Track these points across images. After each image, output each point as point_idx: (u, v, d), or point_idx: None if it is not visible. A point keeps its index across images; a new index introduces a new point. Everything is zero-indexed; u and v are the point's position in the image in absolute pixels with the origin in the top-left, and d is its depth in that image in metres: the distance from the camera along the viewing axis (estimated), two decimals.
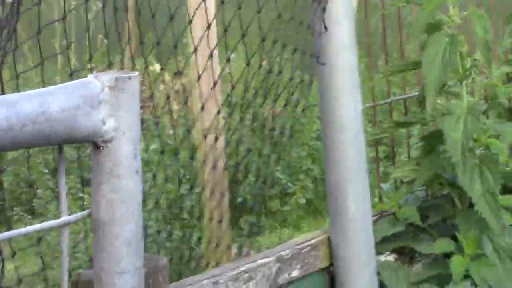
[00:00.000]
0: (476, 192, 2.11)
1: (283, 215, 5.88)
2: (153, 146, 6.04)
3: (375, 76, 2.45)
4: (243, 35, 6.14)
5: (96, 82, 1.55)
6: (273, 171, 6.04)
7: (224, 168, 4.71)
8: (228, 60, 7.06)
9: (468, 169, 2.11)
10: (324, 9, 2.00)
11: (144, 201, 1.68)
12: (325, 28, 1.98)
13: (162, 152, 4.95)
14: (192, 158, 5.87)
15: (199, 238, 4.34)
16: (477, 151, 2.17)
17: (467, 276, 2.06)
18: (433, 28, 2.17)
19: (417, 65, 2.19)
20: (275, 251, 1.98)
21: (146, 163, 6.42)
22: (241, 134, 6.27)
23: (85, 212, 1.59)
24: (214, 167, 4.58)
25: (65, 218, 1.54)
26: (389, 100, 2.58)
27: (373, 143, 2.42)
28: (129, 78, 1.59)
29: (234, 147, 5.72)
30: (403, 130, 2.54)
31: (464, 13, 2.21)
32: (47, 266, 4.36)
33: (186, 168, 5.97)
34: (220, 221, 4.03)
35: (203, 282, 1.81)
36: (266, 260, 1.93)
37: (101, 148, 1.56)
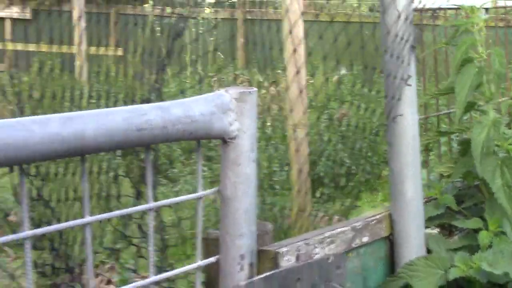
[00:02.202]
0: (497, 185, 2.06)
1: (347, 189, 5.81)
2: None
3: (427, 95, 2.39)
4: (324, 57, 6.04)
5: (227, 95, 1.54)
6: (341, 156, 5.97)
7: (306, 153, 4.66)
8: (312, 75, 6.96)
9: (491, 167, 2.06)
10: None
11: None
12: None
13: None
14: (282, 144, 5.88)
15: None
16: (500, 154, 2.10)
17: (490, 247, 2.01)
18: (466, 61, 2.12)
19: (453, 89, 2.14)
20: (351, 222, 1.95)
21: None
22: (319, 129, 6.24)
23: (215, 189, 1.58)
24: (298, 150, 4.52)
25: (201, 192, 1.53)
26: (436, 113, 2.53)
27: (424, 146, 2.37)
28: (250, 92, 1.58)
29: (313, 138, 5.70)
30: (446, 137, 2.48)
31: (488, 51, 2.15)
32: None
33: (278, 151, 5.97)
34: (305, 192, 3.99)
35: (298, 243, 1.78)
36: (344, 229, 1.90)
37: (228, 143, 1.55)
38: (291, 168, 5.11)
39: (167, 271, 1.53)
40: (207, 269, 1.73)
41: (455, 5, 2.23)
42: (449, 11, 2.63)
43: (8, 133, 1.21)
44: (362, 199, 5.85)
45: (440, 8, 2.37)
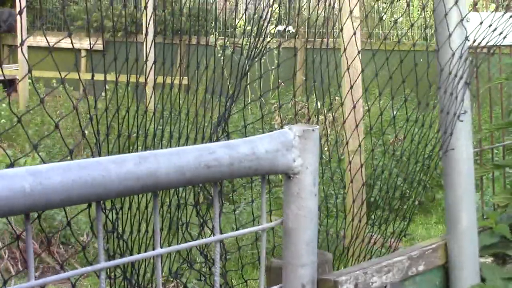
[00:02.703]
0: None
1: (402, 211, 5.74)
2: None
3: (482, 129, 2.36)
4: (380, 94, 6.02)
5: (290, 133, 1.55)
6: (395, 180, 5.91)
7: (362, 178, 4.64)
8: (368, 107, 6.92)
9: None
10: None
11: None
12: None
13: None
14: (339, 169, 5.86)
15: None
16: None
17: None
18: None
19: (510, 124, 2.10)
20: (407, 251, 1.93)
21: None
22: (374, 154, 6.19)
23: (279, 221, 1.58)
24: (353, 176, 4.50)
25: (264, 225, 1.54)
26: (491, 146, 2.50)
27: (479, 178, 2.34)
28: (313, 130, 1.58)
29: (369, 162, 5.66)
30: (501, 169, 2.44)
31: None
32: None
33: (336, 175, 5.95)
34: (359, 219, 3.95)
35: (356, 272, 1.77)
36: (400, 258, 1.88)
37: (291, 178, 1.55)
38: (347, 192, 5.10)
39: None
40: None
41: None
42: (504, 49, 2.59)
43: (88, 172, 1.24)
44: (416, 221, 5.79)
45: (495, 46, 2.34)
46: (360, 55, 4.92)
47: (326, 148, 6.77)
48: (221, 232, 1.48)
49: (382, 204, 5.64)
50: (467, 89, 1.93)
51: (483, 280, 2.00)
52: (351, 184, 4.83)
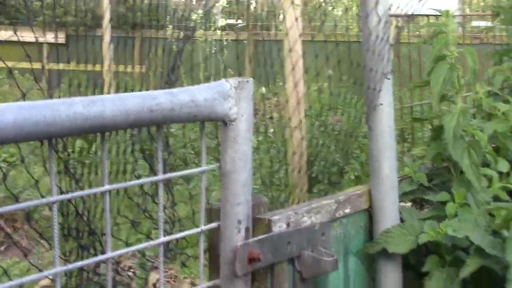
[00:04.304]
0: (465, 164, 2.09)
1: (340, 185, 5.84)
2: (260, 138, 6.09)
3: (403, 89, 2.43)
4: (317, 74, 6.08)
5: (227, 84, 1.59)
6: (334, 157, 6.00)
7: (304, 152, 4.71)
8: (309, 87, 7.02)
9: (460, 149, 2.10)
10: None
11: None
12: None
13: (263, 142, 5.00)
14: (283, 146, 5.94)
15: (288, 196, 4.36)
16: (466, 138, 2.13)
17: (455, 216, 2.05)
18: (439, 58, 2.15)
19: (428, 82, 2.17)
20: (335, 196, 1.98)
21: (254, 149, 6.50)
22: (315, 133, 6.28)
23: (217, 164, 1.62)
24: (295, 153, 4.58)
25: (203, 167, 1.58)
26: (410, 104, 2.57)
27: (400, 131, 2.41)
28: (247, 81, 1.62)
29: (310, 140, 5.75)
30: (419, 124, 2.51)
31: (460, 49, 2.19)
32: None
33: (279, 154, 6.02)
34: (301, 189, 4.02)
35: (289, 212, 1.82)
36: (328, 201, 1.93)
37: (228, 125, 1.59)
38: (291, 167, 5.16)
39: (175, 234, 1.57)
40: (210, 235, 1.78)
41: (432, 9, 2.27)
42: (422, 17, 2.66)
43: (39, 111, 1.27)
44: None
45: (414, 14, 2.41)
46: (301, 42, 4.98)
47: (272, 130, 6.84)
48: (165, 171, 1.52)
49: (322, 179, 5.73)
50: (390, 51, 1.99)
51: (402, 221, 2.07)
52: (293, 156, 4.89)
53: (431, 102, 2.14)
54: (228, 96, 1.58)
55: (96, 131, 1.37)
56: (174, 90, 1.50)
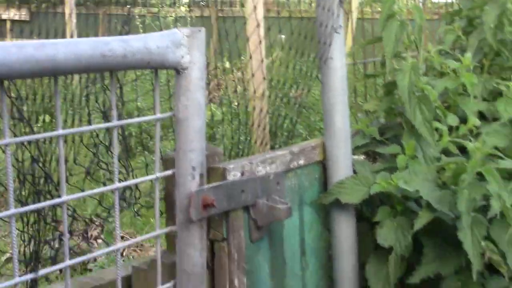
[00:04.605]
0: (418, 119, 2.13)
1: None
2: (223, 109, 6.11)
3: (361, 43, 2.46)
4: (282, 48, 6.07)
5: (179, 32, 1.60)
6: (297, 128, 6.04)
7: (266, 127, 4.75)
8: (273, 63, 7.04)
9: (412, 105, 2.13)
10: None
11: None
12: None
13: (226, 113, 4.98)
14: (246, 118, 5.97)
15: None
16: (417, 94, 2.17)
17: (406, 168, 2.09)
18: (390, 16, 2.19)
19: (380, 39, 2.20)
20: (289, 148, 2.01)
21: (219, 122, 6.51)
22: (277, 105, 6.32)
23: (170, 113, 1.64)
24: (259, 125, 4.62)
25: (157, 115, 1.60)
26: (364, 61, 2.61)
27: (353, 87, 2.44)
28: (199, 31, 1.63)
29: (273, 114, 5.79)
30: (371, 80, 2.55)
31: (409, 7, 2.23)
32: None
33: (242, 125, 6.05)
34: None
35: (243, 162, 1.84)
36: (283, 152, 1.95)
37: (180, 73, 1.61)
38: (253, 139, 5.19)
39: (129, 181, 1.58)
40: (166, 184, 1.80)
41: None
42: None
43: None
44: None
45: None
46: (263, 17, 5.00)
47: (236, 103, 6.85)
48: (119, 119, 1.53)
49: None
50: (341, 7, 2.02)
51: (355, 173, 2.11)
52: (255, 127, 4.92)
53: (383, 59, 2.18)
54: (181, 44, 1.59)
55: (48, 74, 1.38)
56: (127, 37, 1.51)
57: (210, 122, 6.30)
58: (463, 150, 2.12)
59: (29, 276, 1.37)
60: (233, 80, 7.06)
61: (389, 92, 2.23)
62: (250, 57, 5.20)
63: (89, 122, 1.80)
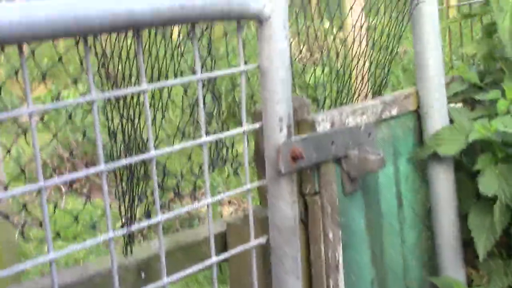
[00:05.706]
0: None
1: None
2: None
3: None
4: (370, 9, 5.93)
5: None
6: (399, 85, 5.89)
7: None
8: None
9: None
10: None
11: None
12: None
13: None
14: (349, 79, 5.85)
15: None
16: None
17: (508, 113, 1.95)
18: None
19: None
20: (380, 97, 1.92)
21: (321, 82, 6.41)
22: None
23: (255, 65, 1.58)
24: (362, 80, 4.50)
25: (242, 67, 1.54)
26: (460, 4, 2.45)
27: (447, 29, 2.30)
28: None
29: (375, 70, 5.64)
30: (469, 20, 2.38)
31: None
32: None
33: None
34: None
35: (333, 113, 1.77)
36: (374, 102, 1.87)
37: (263, 23, 1.55)
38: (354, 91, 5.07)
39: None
40: (256, 139, 1.75)
41: None
42: None
43: (71, 8, 1.25)
44: None
45: None
46: None
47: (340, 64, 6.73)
48: (202, 72, 1.49)
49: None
50: None
51: (452, 122, 1.99)
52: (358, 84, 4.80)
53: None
54: None
55: (127, 28, 1.35)
56: None
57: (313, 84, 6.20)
58: None
59: (120, 232, 1.36)
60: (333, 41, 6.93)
61: (488, 34, 2.08)
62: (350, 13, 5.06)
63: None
